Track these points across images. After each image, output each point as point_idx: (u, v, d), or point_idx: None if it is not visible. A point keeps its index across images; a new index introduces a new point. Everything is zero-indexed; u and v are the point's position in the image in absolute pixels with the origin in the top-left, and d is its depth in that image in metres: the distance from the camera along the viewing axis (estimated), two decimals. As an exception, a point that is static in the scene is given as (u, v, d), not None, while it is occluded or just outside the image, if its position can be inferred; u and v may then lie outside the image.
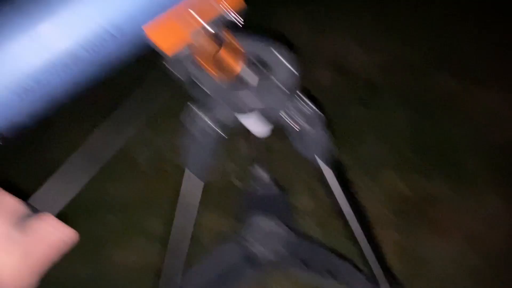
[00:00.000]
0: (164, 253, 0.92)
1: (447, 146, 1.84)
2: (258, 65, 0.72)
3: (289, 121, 0.72)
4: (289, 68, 0.69)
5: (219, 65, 0.63)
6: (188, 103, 0.71)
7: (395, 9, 2.39)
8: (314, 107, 0.74)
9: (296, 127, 0.73)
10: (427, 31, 2.28)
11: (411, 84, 2.07)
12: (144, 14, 0.50)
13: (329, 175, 0.78)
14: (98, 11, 0.47)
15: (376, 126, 1.91)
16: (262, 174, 1.04)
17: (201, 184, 0.79)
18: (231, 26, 0.61)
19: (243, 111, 0.74)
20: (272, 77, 0.70)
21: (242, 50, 0.65)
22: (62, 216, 0.44)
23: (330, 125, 0.76)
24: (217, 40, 0.58)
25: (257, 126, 0.78)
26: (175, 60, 0.60)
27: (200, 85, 0.69)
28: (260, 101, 0.72)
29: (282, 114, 0.73)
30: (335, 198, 0.80)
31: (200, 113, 0.71)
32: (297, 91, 0.72)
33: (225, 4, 0.59)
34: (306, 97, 0.73)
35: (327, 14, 2.41)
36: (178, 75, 0.63)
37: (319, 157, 0.76)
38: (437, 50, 2.19)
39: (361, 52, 2.22)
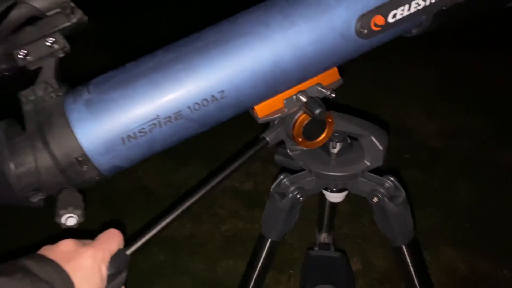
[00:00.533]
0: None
1: (509, 222, 1.74)
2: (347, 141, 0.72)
3: (372, 197, 0.72)
4: (381, 155, 0.70)
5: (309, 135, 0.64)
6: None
7: (463, 76, 2.37)
8: (398, 185, 0.73)
9: (376, 202, 0.72)
10: (496, 103, 2.24)
11: (474, 155, 2.00)
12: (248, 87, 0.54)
13: (404, 252, 0.76)
14: (210, 80, 0.52)
15: (436, 196, 1.85)
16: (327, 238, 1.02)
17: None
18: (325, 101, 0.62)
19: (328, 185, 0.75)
20: (365, 161, 0.71)
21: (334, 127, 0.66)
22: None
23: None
24: (309, 110, 0.60)
25: (338, 197, 0.78)
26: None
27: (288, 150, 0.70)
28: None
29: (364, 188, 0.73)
30: (406, 275, 0.78)
31: (287, 181, 0.73)
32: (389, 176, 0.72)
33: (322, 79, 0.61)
34: (393, 177, 0.72)
35: (392, 73, 2.41)
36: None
37: (398, 234, 0.75)
38: (504, 124, 2.13)
39: (423, 116, 2.19)
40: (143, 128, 0.50)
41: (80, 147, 0.49)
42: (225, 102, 0.52)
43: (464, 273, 1.59)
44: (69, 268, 0.45)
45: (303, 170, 0.73)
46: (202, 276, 1.60)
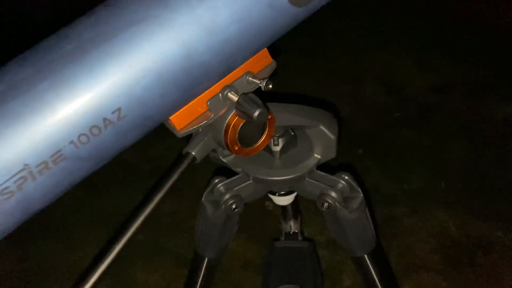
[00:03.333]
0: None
1: (504, 183, 1.65)
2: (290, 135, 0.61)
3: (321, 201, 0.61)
4: (334, 145, 0.58)
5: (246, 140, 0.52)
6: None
7: (457, 25, 2.20)
8: (354, 185, 0.62)
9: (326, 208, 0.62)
10: (493, 53, 2.08)
11: (468, 110, 1.88)
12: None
13: (365, 262, 0.66)
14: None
15: (427, 155, 1.75)
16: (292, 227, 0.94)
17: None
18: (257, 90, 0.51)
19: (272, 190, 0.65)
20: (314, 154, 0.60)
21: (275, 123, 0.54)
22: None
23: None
24: (243, 113, 0.47)
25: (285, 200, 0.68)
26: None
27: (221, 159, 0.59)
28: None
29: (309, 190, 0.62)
30: (372, 286, 0.69)
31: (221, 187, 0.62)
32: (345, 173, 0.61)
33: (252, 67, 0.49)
34: (347, 174, 0.62)
35: (383, 29, 2.26)
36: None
37: (355, 245, 0.65)
38: (502, 75, 1.99)
39: (415, 70, 2.06)
40: (6, 188, 0.35)
41: None
42: (125, 123, 0.38)
43: (457, 236, 1.53)
44: None
45: None
46: (185, 256, 1.54)
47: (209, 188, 0.63)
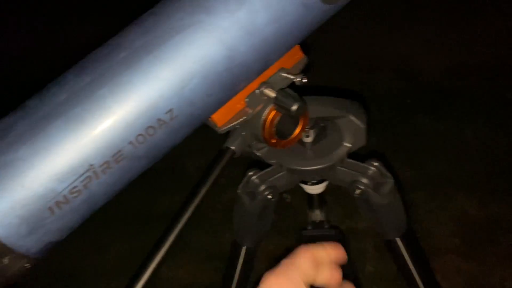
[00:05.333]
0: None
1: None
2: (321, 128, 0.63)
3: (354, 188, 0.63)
4: (363, 133, 0.60)
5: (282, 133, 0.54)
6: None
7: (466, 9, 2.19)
8: (384, 171, 0.64)
9: (359, 194, 0.64)
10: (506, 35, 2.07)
11: (484, 93, 1.88)
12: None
13: (398, 245, 0.68)
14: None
15: (444, 140, 1.76)
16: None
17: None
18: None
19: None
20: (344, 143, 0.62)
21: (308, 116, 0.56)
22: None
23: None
24: (282, 108, 0.50)
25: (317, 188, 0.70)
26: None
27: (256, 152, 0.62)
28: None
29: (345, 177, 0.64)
30: (404, 269, 0.71)
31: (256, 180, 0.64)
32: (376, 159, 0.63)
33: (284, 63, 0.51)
34: (377, 161, 0.64)
35: (394, 13, 2.25)
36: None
37: (388, 228, 0.67)
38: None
39: (428, 55, 2.05)
40: (75, 187, 0.38)
41: None
42: (176, 122, 0.41)
43: (476, 219, 1.54)
44: None
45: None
46: (206, 250, 1.57)
47: (244, 180, 0.66)
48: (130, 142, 0.39)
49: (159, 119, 0.40)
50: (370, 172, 0.64)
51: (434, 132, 1.79)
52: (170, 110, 0.40)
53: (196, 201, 0.48)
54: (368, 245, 1.49)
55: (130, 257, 1.58)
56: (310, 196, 0.89)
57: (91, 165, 0.38)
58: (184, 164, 1.85)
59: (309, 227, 0.98)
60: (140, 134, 0.40)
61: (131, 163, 0.40)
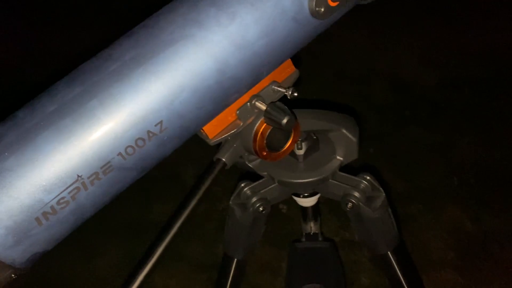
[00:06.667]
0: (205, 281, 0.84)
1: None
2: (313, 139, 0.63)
3: (346, 202, 0.63)
4: (355, 147, 0.60)
5: (273, 146, 0.55)
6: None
7: (461, 23, 2.21)
8: (376, 184, 0.64)
9: (350, 208, 0.64)
10: (496, 49, 2.09)
11: (476, 105, 1.89)
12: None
13: (389, 259, 0.68)
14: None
15: (437, 151, 1.76)
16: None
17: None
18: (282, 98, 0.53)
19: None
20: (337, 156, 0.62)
21: (299, 129, 0.57)
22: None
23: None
24: (272, 121, 0.50)
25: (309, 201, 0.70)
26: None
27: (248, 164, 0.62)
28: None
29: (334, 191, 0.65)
30: (395, 282, 0.71)
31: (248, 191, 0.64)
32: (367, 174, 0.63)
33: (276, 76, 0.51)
34: (369, 175, 0.64)
35: (388, 25, 2.27)
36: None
37: (379, 242, 0.67)
38: (507, 69, 1.99)
39: (422, 68, 2.07)
40: (62, 198, 0.38)
41: None
42: (166, 134, 0.41)
43: (472, 232, 1.54)
44: None
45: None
46: (200, 260, 1.57)
47: (236, 192, 0.66)
48: (119, 154, 0.39)
49: (148, 131, 0.40)
50: (361, 186, 0.64)
51: (427, 144, 1.80)
52: (160, 122, 0.40)
53: (187, 211, 0.48)
54: (363, 256, 1.48)
55: (124, 265, 1.57)
56: (303, 208, 0.89)
57: (79, 176, 0.38)
58: (180, 173, 1.85)
59: (303, 239, 0.98)
60: (129, 146, 0.40)
61: (120, 174, 0.40)
